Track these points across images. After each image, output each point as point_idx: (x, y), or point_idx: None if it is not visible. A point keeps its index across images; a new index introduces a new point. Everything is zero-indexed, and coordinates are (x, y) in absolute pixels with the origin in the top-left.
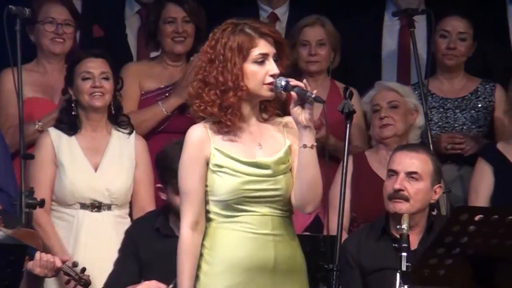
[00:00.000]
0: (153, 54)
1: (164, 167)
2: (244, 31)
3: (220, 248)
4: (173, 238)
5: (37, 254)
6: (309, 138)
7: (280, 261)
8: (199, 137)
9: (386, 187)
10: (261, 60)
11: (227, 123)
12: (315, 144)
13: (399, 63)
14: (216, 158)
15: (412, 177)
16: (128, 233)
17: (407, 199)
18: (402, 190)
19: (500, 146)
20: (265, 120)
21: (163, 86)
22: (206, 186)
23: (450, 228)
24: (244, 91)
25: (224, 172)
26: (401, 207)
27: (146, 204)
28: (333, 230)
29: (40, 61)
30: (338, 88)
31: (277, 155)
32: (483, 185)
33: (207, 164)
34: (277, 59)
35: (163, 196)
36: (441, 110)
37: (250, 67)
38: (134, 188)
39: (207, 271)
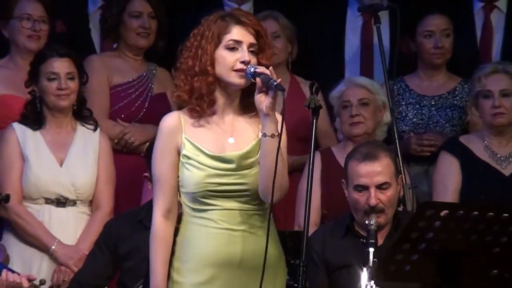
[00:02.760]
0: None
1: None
2: (223, 19)
3: (190, 244)
4: None
5: (3, 274)
6: (269, 127)
7: (247, 256)
8: (172, 125)
9: (358, 202)
10: (233, 46)
11: (196, 109)
12: (276, 133)
13: (361, 59)
14: (185, 149)
15: (382, 188)
16: (107, 226)
17: (383, 211)
18: (377, 204)
19: (463, 139)
20: (244, 114)
21: (130, 80)
22: (178, 176)
23: (416, 224)
24: (210, 75)
25: (191, 164)
26: (380, 220)
27: (103, 200)
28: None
29: (13, 57)
30: (299, 83)
31: (244, 149)
32: (451, 178)
33: (179, 153)
34: (258, 51)
35: (150, 186)
36: (417, 106)
37: (220, 53)
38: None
39: (178, 268)
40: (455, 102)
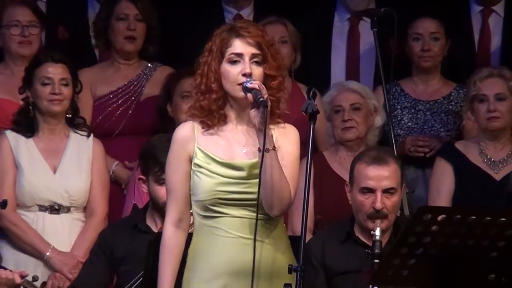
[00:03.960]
0: None
1: (147, 156)
2: (226, 32)
3: (201, 254)
4: (148, 234)
5: None
6: (262, 142)
7: (259, 265)
8: (184, 135)
9: (363, 205)
10: (235, 59)
11: (207, 123)
12: (271, 147)
13: (347, 64)
14: (196, 158)
15: (389, 193)
16: (102, 234)
17: (386, 216)
18: (382, 208)
19: (459, 145)
20: None
21: (115, 88)
22: (190, 185)
23: (413, 228)
24: (214, 92)
25: (201, 173)
26: (382, 225)
27: (97, 206)
28: (297, 231)
29: (7, 63)
30: (300, 89)
31: (255, 159)
32: (445, 184)
33: (191, 162)
34: (262, 61)
35: (144, 189)
36: (412, 111)
37: (224, 67)
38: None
39: (189, 278)
40: (450, 107)
